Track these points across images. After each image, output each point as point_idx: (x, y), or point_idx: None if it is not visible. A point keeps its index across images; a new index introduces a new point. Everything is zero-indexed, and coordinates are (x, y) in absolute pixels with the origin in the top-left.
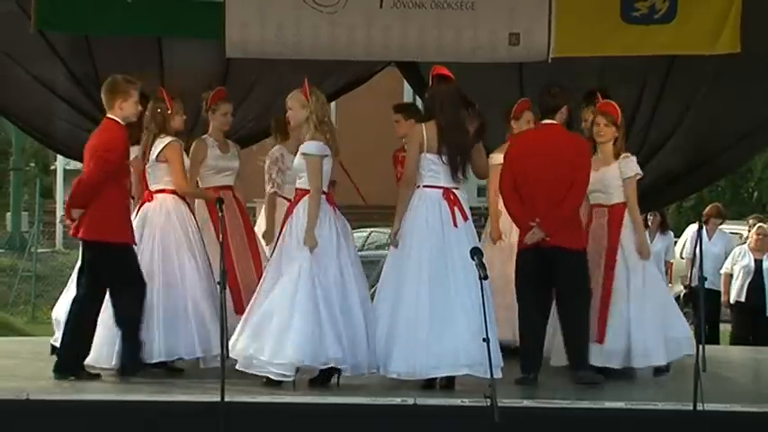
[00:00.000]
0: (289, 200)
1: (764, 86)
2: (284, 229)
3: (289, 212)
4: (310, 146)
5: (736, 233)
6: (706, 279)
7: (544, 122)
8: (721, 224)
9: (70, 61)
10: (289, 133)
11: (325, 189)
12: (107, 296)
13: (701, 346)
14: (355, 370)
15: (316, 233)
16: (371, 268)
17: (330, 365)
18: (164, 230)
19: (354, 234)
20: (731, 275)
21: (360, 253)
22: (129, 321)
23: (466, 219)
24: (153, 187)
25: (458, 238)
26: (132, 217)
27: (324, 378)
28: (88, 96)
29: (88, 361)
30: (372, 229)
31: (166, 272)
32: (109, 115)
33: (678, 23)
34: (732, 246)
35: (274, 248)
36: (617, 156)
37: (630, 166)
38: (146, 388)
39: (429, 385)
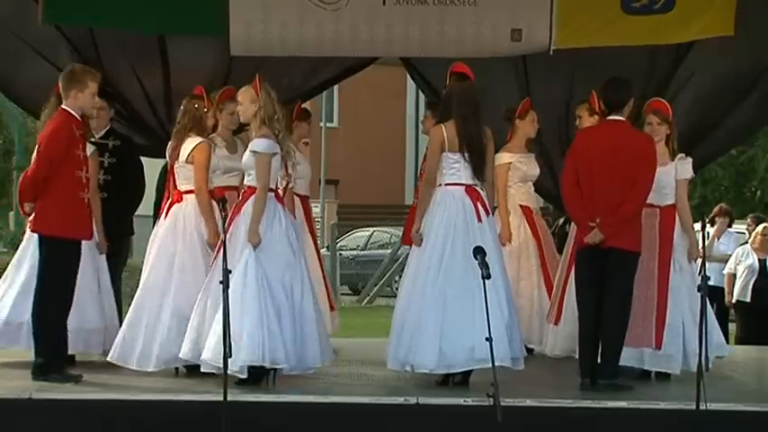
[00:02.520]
0: (300, 196)
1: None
2: (230, 229)
3: (236, 211)
4: (260, 143)
5: (740, 233)
6: (709, 278)
7: (610, 119)
8: (730, 224)
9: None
10: (292, 127)
11: (272, 186)
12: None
13: (703, 345)
14: (299, 368)
15: (263, 231)
16: (374, 267)
17: (274, 366)
18: (194, 232)
19: (357, 233)
20: (734, 275)
21: (362, 252)
22: (47, 328)
23: (488, 213)
24: (183, 187)
25: (482, 233)
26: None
27: (255, 377)
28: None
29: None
30: (374, 229)
31: (196, 272)
32: (63, 105)
33: (677, 12)
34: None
35: (221, 247)
36: (673, 155)
37: (688, 167)
38: (148, 388)
39: (444, 382)
